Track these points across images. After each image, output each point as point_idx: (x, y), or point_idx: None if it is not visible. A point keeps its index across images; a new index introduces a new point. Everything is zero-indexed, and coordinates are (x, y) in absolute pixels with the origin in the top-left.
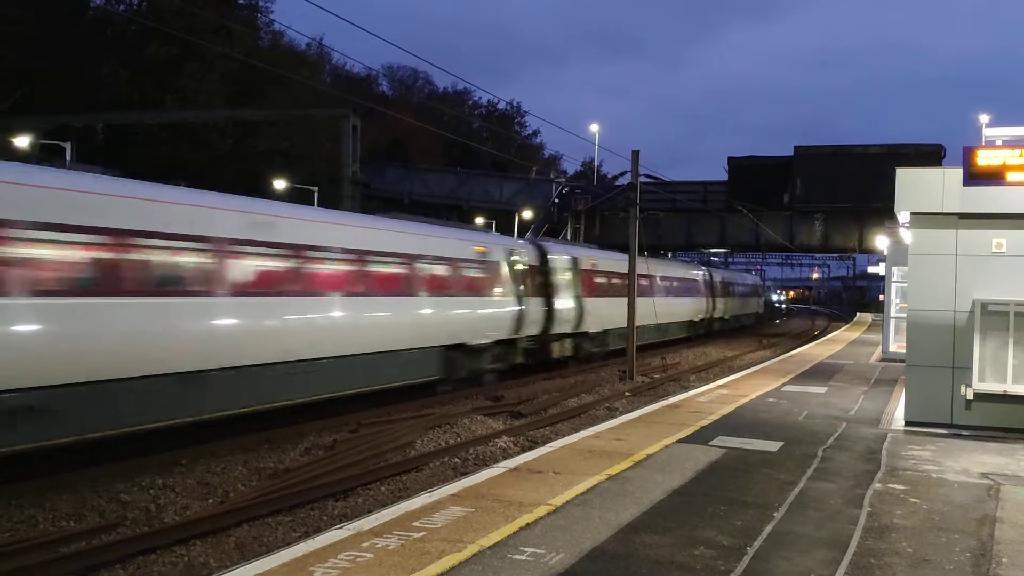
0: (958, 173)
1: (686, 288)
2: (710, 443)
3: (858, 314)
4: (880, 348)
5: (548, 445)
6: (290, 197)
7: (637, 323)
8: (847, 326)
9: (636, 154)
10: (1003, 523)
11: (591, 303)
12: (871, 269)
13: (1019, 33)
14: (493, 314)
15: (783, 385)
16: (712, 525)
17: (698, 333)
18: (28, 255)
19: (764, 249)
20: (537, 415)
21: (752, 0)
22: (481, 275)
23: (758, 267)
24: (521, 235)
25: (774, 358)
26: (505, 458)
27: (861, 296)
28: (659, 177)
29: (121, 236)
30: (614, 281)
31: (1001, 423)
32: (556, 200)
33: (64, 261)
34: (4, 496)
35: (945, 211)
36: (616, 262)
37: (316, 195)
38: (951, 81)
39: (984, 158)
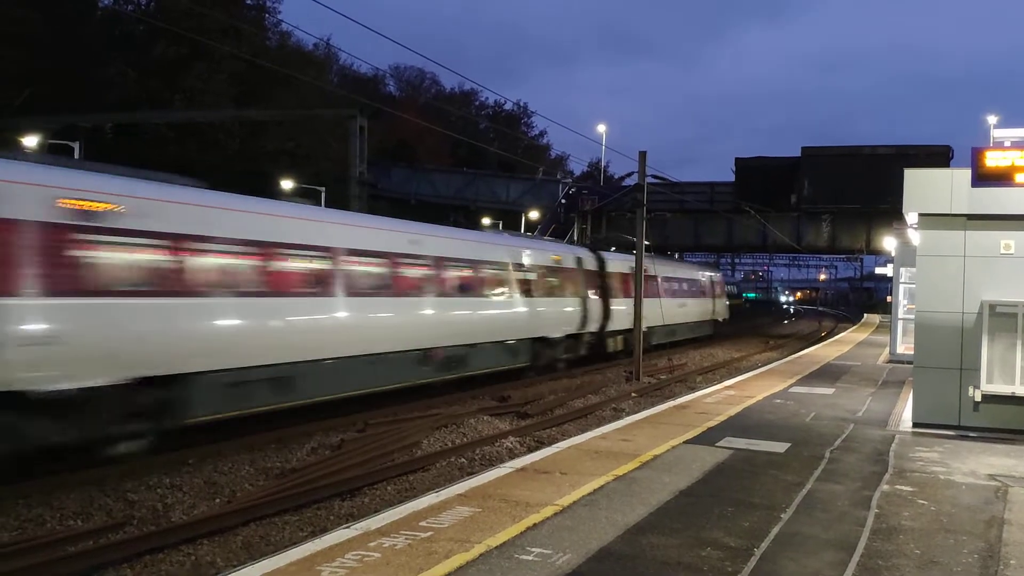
0: (966, 174)
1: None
2: (717, 444)
3: (865, 315)
4: (887, 349)
5: (555, 445)
6: (296, 197)
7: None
8: (854, 327)
9: (643, 155)
10: (1011, 525)
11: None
12: (878, 270)
13: None
14: (566, 312)
15: (790, 386)
16: (719, 526)
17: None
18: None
19: (771, 250)
20: (543, 415)
21: (766, 2)
22: (557, 279)
23: (765, 268)
24: (528, 234)
25: (781, 359)
26: (512, 458)
27: (868, 297)
28: (666, 178)
29: (391, 258)
30: (651, 284)
31: (1009, 425)
32: (563, 200)
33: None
34: (12, 495)
35: (953, 212)
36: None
37: (323, 195)
38: (965, 83)
39: (993, 159)
